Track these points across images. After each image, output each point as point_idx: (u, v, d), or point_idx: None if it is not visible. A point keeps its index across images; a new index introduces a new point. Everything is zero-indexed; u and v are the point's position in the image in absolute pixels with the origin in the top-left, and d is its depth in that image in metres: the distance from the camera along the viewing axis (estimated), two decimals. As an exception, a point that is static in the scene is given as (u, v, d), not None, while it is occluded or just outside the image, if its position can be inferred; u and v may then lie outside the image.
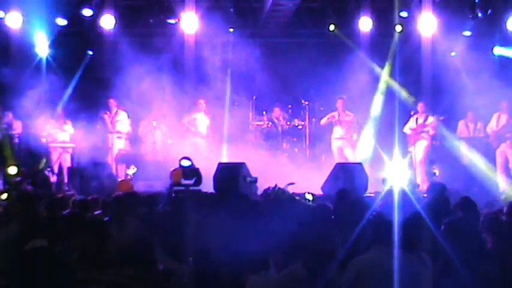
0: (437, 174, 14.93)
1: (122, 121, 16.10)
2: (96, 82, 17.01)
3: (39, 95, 15.89)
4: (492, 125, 15.40)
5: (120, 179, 14.49)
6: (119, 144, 16.02)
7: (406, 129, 15.61)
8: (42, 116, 15.64)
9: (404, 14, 16.34)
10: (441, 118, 15.81)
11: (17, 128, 15.56)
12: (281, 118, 16.77)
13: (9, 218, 7.63)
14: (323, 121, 16.33)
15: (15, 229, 7.05)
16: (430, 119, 15.50)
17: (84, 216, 7.62)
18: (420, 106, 15.56)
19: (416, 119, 15.47)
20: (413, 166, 15.11)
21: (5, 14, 15.59)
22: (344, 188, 9.93)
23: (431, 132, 15.57)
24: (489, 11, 15.60)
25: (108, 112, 16.09)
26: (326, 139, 16.70)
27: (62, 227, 6.89)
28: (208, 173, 12.95)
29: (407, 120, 15.66)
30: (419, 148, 15.35)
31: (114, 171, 15.30)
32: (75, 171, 14.77)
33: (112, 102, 16.06)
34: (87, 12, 15.99)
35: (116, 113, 16.11)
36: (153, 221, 7.78)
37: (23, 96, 15.67)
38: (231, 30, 16.85)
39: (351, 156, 15.93)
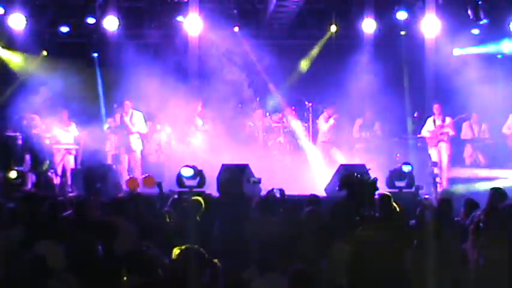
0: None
1: (138, 122, 15.79)
2: (101, 83, 17.07)
3: (43, 97, 15.93)
4: (510, 125, 15.27)
5: (129, 177, 14.48)
6: (138, 146, 15.88)
7: (425, 132, 15.48)
8: (46, 117, 15.66)
9: (404, 14, 16.30)
10: (463, 116, 15.77)
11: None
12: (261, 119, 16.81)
13: (14, 219, 7.66)
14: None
15: (21, 230, 7.07)
16: (448, 120, 15.42)
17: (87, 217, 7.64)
18: (436, 108, 15.42)
19: (434, 121, 15.37)
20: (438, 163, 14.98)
21: (5, 10, 15.56)
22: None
23: (451, 133, 15.46)
24: (492, 15, 15.55)
25: (124, 114, 15.90)
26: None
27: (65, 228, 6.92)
28: (211, 174, 12.95)
29: (424, 123, 15.63)
30: (443, 152, 15.24)
31: (136, 173, 15.30)
32: (78, 172, 14.77)
33: (128, 104, 15.83)
34: (91, 20, 15.97)
35: (132, 114, 15.83)
36: (153, 221, 7.79)
37: (27, 97, 15.71)
38: (236, 29, 16.82)
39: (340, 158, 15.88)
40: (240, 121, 16.70)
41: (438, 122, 15.31)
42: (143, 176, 14.17)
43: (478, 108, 15.98)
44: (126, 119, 15.64)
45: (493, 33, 16.45)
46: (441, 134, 15.27)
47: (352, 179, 8.23)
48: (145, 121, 15.86)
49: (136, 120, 15.71)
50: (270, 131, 16.90)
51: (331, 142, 16.29)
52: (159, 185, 11.51)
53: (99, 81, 17.49)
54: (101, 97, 17.38)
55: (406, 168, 12.98)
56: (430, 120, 15.44)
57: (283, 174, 14.63)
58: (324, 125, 16.31)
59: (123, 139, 15.67)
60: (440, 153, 15.18)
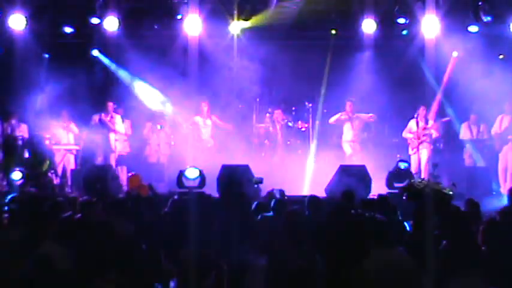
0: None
1: (118, 124, 16.01)
2: (101, 83, 17.06)
3: (43, 97, 15.93)
4: (496, 128, 15.41)
5: (130, 174, 14.68)
6: (118, 147, 15.97)
7: (406, 134, 15.71)
8: (46, 118, 15.67)
9: (402, 20, 16.33)
10: (446, 119, 15.94)
11: (23, 131, 15.49)
12: (280, 120, 16.72)
13: (15, 220, 7.67)
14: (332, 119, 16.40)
15: (21, 231, 7.08)
16: (431, 122, 15.60)
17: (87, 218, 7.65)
18: (421, 110, 15.59)
19: (417, 122, 15.49)
20: (415, 170, 15.11)
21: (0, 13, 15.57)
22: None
23: (434, 135, 15.67)
24: (493, 15, 15.54)
25: (103, 114, 15.96)
26: (329, 141, 16.72)
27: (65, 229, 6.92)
28: (212, 174, 12.97)
29: (406, 125, 15.76)
30: (424, 152, 15.41)
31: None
32: (78, 173, 14.78)
33: (110, 105, 16.00)
34: (95, 20, 15.96)
35: (112, 116, 16.02)
36: (155, 223, 7.79)
37: (27, 98, 15.70)
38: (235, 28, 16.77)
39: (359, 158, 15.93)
40: (241, 122, 16.70)
41: (421, 124, 15.48)
42: (129, 175, 14.39)
43: (478, 109, 15.98)
44: (106, 118, 15.85)
45: (494, 33, 16.43)
46: (424, 135, 15.48)
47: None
48: (125, 122, 16.13)
49: (116, 122, 15.88)
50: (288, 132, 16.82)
51: (355, 141, 16.27)
52: (151, 187, 11.51)
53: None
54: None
55: (402, 165, 13.01)
56: (412, 122, 15.58)
57: (284, 175, 14.68)
58: (347, 123, 16.33)
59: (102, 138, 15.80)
60: (420, 154, 15.38)
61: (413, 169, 15.11)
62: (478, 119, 15.98)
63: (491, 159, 15.42)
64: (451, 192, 10.95)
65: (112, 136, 15.85)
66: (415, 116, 15.52)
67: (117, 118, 16.05)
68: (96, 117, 15.90)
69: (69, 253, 6.08)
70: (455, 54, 16.86)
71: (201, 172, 12.84)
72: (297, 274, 5.53)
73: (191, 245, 6.23)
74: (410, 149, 15.73)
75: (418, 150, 15.42)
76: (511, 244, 6.47)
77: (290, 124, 16.70)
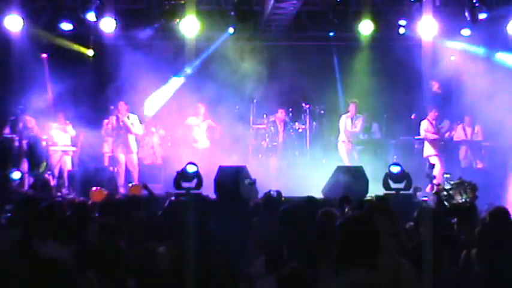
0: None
1: (135, 124, 15.73)
2: (97, 85, 17.05)
3: (40, 98, 15.91)
4: None
5: (131, 184, 14.53)
6: (135, 147, 15.79)
7: (428, 134, 15.57)
8: (43, 118, 15.65)
9: (402, 22, 16.37)
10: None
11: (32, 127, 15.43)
12: (282, 120, 16.68)
13: (13, 221, 7.67)
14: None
15: (19, 232, 7.08)
16: (447, 122, 15.68)
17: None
18: (434, 112, 15.53)
19: (431, 123, 15.45)
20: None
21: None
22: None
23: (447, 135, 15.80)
24: (489, 15, 15.55)
25: (119, 114, 15.67)
26: (326, 142, 16.71)
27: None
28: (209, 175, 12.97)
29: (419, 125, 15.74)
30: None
31: (133, 174, 15.35)
32: (75, 174, 14.77)
33: (123, 105, 15.65)
34: (91, 17, 15.88)
35: (128, 117, 15.66)
36: (152, 224, 7.78)
37: (25, 99, 15.69)
38: (231, 30, 16.77)
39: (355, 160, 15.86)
40: (238, 123, 16.70)
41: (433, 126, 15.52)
42: (130, 185, 14.27)
43: (474, 109, 15.98)
44: (125, 119, 15.55)
45: (490, 33, 16.44)
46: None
47: None
48: (141, 123, 15.90)
49: (133, 122, 15.70)
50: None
51: (349, 141, 16.19)
52: (146, 186, 11.42)
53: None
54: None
55: (394, 169, 12.92)
56: (427, 123, 15.50)
57: (281, 176, 14.69)
58: (349, 124, 16.22)
59: (120, 140, 15.62)
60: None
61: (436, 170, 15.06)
62: (472, 120, 16.00)
63: (490, 160, 15.42)
64: (461, 201, 10.85)
65: (131, 137, 15.68)
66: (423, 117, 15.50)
67: (133, 118, 15.73)
68: (110, 120, 15.74)
69: (65, 253, 6.08)
70: (453, 58, 16.87)
71: (198, 169, 12.82)
72: (295, 275, 5.51)
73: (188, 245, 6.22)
74: (429, 150, 15.59)
75: (442, 150, 15.36)
76: (501, 245, 6.43)
77: (295, 126, 16.68)
